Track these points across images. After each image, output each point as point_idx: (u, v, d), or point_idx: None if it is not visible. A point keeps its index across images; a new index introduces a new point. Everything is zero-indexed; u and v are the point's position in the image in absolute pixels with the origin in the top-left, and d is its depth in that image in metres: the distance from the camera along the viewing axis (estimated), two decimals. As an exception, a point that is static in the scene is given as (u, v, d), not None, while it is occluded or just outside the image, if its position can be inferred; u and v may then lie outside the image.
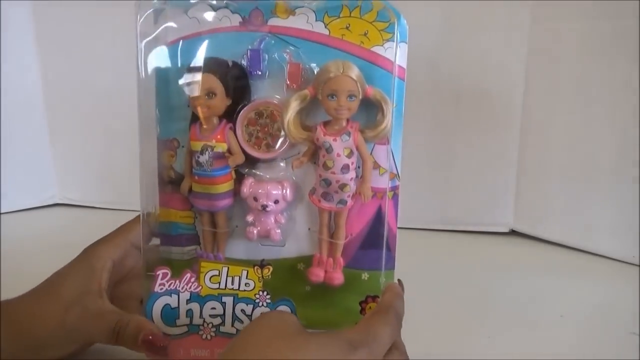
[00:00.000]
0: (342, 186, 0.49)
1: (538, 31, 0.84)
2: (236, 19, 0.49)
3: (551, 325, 0.64)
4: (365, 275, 0.51)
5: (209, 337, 0.49)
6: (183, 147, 0.51)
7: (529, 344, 0.60)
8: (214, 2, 0.50)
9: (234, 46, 0.50)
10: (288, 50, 0.49)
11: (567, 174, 0.84)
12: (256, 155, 0.51)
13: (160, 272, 0.49)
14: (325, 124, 0.49)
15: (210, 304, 0.49)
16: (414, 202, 0.86)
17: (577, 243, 0.85)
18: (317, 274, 0.51)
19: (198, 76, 0.49)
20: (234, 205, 0.52)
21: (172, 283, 0.49)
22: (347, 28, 0.49)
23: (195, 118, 0.50)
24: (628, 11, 0.75)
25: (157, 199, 0.52)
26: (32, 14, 0.99)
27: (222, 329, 0.49)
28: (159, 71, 0.50)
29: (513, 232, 0.93)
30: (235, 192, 0.51)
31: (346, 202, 0.50)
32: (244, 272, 0.50)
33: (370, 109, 0.49)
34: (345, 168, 0.49)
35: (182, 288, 0.49)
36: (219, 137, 0.49)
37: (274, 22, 0.49)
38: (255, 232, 0.51)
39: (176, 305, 0.49)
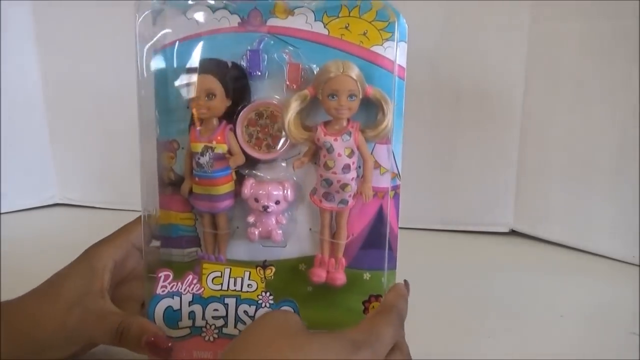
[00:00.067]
0: (344, 186, 0.49)
1: (538, 31, 0.83)
2: (235, 20, 0.49)
3: (551, 325, 0.64)
4: (366, 275, 0.51)
5: (211, 338, 0.49)
6: (183, 148, 0.51)
7: (529, 344, 0.60)
8: (213, 2, 0.49)
9: (232, 47, 0.50)
10: (287, 51, 0.49)
11: (567, 174, 0.84)
12: (257, 156, 0.51)
13: (162, 274, 0.49)
14: (326, 124, 0.49)
15: (212, 306, 0.49)
16: (414, 202, 0.85)
17: (577, 243, 0.85)
18: (319, 275, 0.51)
19: (197, 77, 0.49)
20: (235, 206, 0.52)
21: (174, 285, 0.49)
22: (346, 28, 0.49)
23: (195, 119, 0.50)
24: (628, 11, 0.75)
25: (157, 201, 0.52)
26: (32, 14, 0.99)
27: (224, 330, 0.49)
28: (157, 72, 0.50)
29: (513, 232, 0.92)
30: (236, 193, 0.51)
31: (347, 202, 0.50)
32: (247, 273, 0.50)
33: (370, 108, 0.49)
34: (347, 168, 0.49)
35: (184, 290, 0.49)
36: (219, 138, 0.49)
37: (272, 22, 0.49)
38: (256, 233, 0.51)
39: (178, 307, 0.49)
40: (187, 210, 0.52)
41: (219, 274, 0.50)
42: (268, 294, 0.49)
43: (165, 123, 0.51)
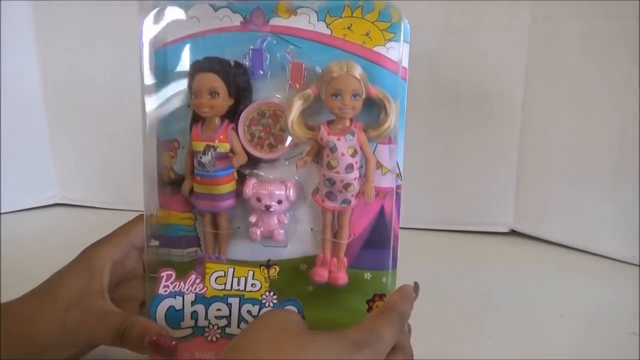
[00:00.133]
0: (346, 186, 0.49)
1: (538, 31, 0.84)
2: (237, 19, 0.49)
3: (551, 325, 0.64)
4: (367, 275, 0.51)
5: (214, 339, 0.49)
6: (183, 147, 0.51)
7: (529, 344, 0.60)
8: (215, 1, 0.49)
9: (234, 46, 0.49)
10: (290, 50, 0.49)
11: (567, 174, 0.84)
12: (259, 156, 0.51)
13: (164, 274, 0.49)
14: (329, 123, 0.49)
15: (215, 306, 0.49)
16: (414, 202, 0.85)
17: (577, 243, 0.85)
18: (321, 274, 0.51)
19: (200, 76, 0.48)
20: (236, 206, 0.51)
21: (176, 285, 0.49)
22: (349, 28, 0.49)
23: (196, 118, 0.50)
24: (628, 11, 0.75)
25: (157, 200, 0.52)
26: (32, 13, 0.99)
27: (227, 330, 0.49)
28: (158, 71, 0.50)
29: (513, 232, 0.92)
30: (237, 193, 0.51)
31: (350, 201, 0.50)
32: (250, 273, 0.50)
33: (372, 108, 0.49)
34: (350, 167, 0.49)
35: (186, 290, 0.49)
36: (221, 137, 0.49)
37: (275, 22, 0.49)
38: (258, 232, 0.51)
39: (181, 307, 0.49)
40: (187, 210, 0.52)
41: (222, 273, 0.49)
42: (272, 293, 0.49)
43: (165, 122, 0.51)
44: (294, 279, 0.51)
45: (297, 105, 0.48)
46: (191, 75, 0.49)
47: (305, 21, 0.49)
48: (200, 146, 0.49)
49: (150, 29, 0.49)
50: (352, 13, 0.49)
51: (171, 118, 0.51)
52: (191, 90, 0.49)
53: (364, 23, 0.48)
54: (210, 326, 0.49)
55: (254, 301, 0.49)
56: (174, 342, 0.46)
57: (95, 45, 0.97)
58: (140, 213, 0.52)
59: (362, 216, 0.51)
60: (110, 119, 0.99)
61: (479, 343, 0.60)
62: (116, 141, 1.00)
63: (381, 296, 0.51)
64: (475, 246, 0.90)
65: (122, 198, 0.97)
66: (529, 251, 0.87)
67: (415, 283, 0.48)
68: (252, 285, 0.49)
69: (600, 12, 0.78)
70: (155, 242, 0.52)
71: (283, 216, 0.51)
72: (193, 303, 0.49)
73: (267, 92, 0.50)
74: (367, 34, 0.48)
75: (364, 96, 0.48)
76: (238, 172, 0.51)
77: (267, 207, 0.50)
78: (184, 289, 0.49)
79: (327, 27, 0.49)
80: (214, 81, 0.48)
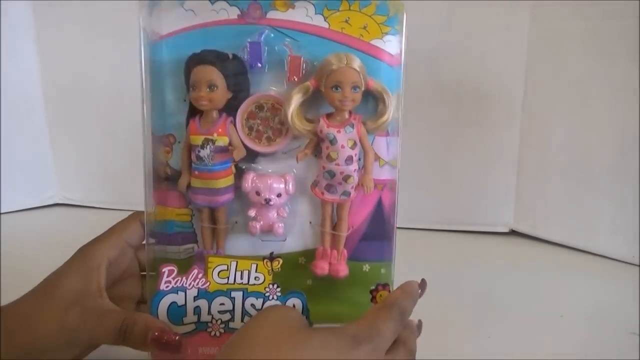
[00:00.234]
0: (346, 178, 0.49)
1: (538, 31, 0.84)
2: (234, 12, 0.49)
3: (551, 325, 0.64)
4: (366, 267, 0.51)
5: (217, 333, 0.49)
6: (179, 142, 0.51)
7: (529, 344, 0.60)
8: None
9: (231, 39, 0.49)
10: (288, 43, 0.49)
11: (567, 174, 0.84)
12: (257, 149, 0.50)
13: (166, 269, 0.49)
14: (328, 115, 0.49)
15: (218, 300, 0.49)
16: (414, 202, 0.86)
17: (577, 243, 0.85)
18: (322, 267, 0.51)
19: (198, 68, 0.48)
20: (234, 200, 0.51)
21: (178, 280, 0.49)
22: (346, 21, 0.49)
23: (193, 112, 0.50)
24: (628, 11, 0.75)
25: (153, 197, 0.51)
26: (32, 14, 0.99)
27: (231, 325, 0.49)
28: (154, 65, 0.49)
29: (513, 232, 0.92)
30: (235, 187, 0.51)
31: (350, 193, 0.50)
32: (254, 266, 0.49)
33: (369, 100, 0.49)
34: (349, 159, 0.49)
35: (189, 285, 0.49)
36: (220, 130, 0.49)
37: (272, 15, 0.49)
38: (258, 226, 0.51)
39: (183, 303, 0.48)
40: (183, 206, 0.52)
41: (225, 267, 0.49)
42: (275, 286, 0.49)
43: (161, 117, 0.50)
44: (293, 273, 0.51)
45: (297, 98, 0.48)
46: (189, 68, 0.49)
47: (302, 14, 0.49)
48: (198, 140, 0.49)
49: (146, 23, 0.49)
50: (349, 7, 0.49)
51: (167, 113, 0.50)
52: (189, 83, 0.49)
53: (361, 16, 0.49)
54: (214, 321, 0.49)
55: (257, 294, 0.49)
56: (177, 337, 0.46)
57: (95, 45, 0.97)
58: (135, 211, 0.52)
59: (361, 208, 0.51)
60: (110, 119, 1.00)
61: (478, 343, 0.60)
62: (116, 141, 1.00)
63: (384, 285, 0.50)
64: (475, 246, 0.90)
65: (122, 198, 0.97)
66: (528, 251, 0.87)
67: (423, 280, 0.48)
68: (255, 278, 0.49)
69: (600, 12, 0.78)
70: (152, 240, 0.51)
71: (282, 209, 0.51)
72: (196, 298, 0.48)
73: (265, 85, 0.50)
74: (364, 27, 0.49)
75: (363, 88, 0.48)
76: (236, 166, 0.51)
77: (267, 201, 0.49)
78: (186, 284, 0.49)
79: (325, 20, 0.49)
80: (213, 74, 0.48)
